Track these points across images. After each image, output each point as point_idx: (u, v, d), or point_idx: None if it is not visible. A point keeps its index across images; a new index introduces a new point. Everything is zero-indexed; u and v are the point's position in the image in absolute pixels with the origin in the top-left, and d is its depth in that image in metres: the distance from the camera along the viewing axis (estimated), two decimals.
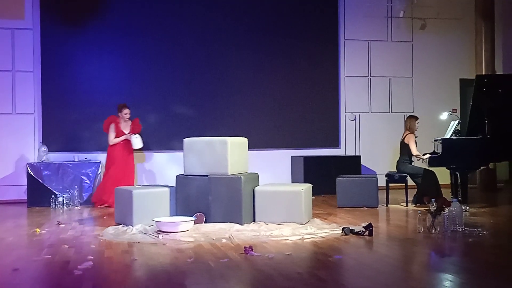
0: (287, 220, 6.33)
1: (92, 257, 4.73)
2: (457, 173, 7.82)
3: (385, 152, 10.37)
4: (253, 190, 6.56)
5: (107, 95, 9.27)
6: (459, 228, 5.80)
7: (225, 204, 6.39)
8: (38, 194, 8.39)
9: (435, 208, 5.73)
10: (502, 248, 5.23)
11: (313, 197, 7.03)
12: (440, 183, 7.99)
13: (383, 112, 10.67)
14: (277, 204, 6.43)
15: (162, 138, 9.51)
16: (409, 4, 10.52)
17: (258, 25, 10.05)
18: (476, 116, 7.69)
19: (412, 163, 8.25)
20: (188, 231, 5.88)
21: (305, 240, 5.50)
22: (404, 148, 8.22)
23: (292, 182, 9.82)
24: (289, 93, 10.14)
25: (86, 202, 8.53)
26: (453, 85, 10.94)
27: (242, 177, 6.42)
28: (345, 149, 10.44)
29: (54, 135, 9.10)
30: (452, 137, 7.90)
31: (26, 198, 8.58)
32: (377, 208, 7.78)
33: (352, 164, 9.70)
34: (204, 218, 6.40)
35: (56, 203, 8.21)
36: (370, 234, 5.64)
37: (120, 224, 6.41)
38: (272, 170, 9.76)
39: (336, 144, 10.41)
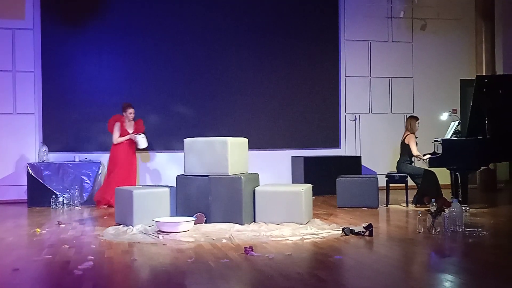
0: (287, 221, 6.33)
1: (93, 257, 4.73)
2: (457, 173, 7.82)
3: (385, 153, 10.37)
4: (253, 190, 6.56)
5: (107, 95, 9.28)
6: (459, 229, 5.80)
7: (225, 204, 6.39)
8: (39, 194, 8.40)
9: (435, 209, 5.73)
10: (502, 249, 5.22)
11: (313, 197, 7.04)
12: (440, 183, 7.98)
13: (383, 112, 10.68)
14: (277, 205, 6.43)
15: (162, 138, 9.51)
16: (409, 4, 10.53)
17: (258, 25, 10.06)
18: (476, 117, 7.69)
19: (413, 164, 8.25)
20: (188, 231, 5.89)
21: (305, 241, 5.50)
22: (405, 148, 8.22)
23: (292, 183, 9.82)
24: (289, 93, 10.14)
25: (86, 202, 8.53)
26: (453, 85, 10.94)
27: (242, 177, 6.42)
28: (346, 149, 10.45)
29: (54, 135, 9.11)
30: (452, 138, 7.90)
31: (26, 198, 8.58)
32: (377, 209, 7.78)
33: (352, 164, 9.70)
34: (204, 218, 6.40)
35: (57, 203, 8.22)
36: (370, 234, 5.64)
37: (120, 224, 6.41)
38: (272, 170, 9.77)
39: (336, 144, 10.42)
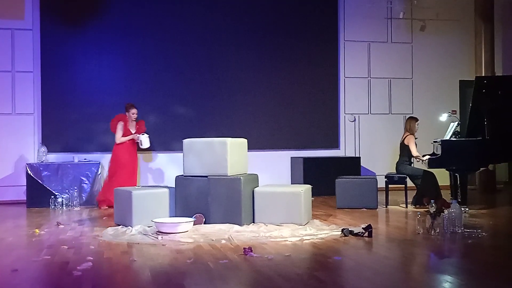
0: (286, 221, 6.33)
1: (92, 258, 4.72)
2: (456, 174, 7.82)
3: (384, 153, 10.37)
4: (253, 191, 6.56)
5: (107, 95, 9.27)
6: (459, 230, 5.80)
7: (225, 205, 6.39)
8: (38, 195, 8.38)
9: (434, 210, 5.73)
10: (502, 250, 5.23)
11: (313, 198, 7.03)
12: (439, 184, 7.99)
13: (382, 113, 10.67)
14: (276, 205, 6.43)
15: (162, 139, 9.51)
16: (409, 5, 10.54)
17: (258, 25, 10.06)
18: (475, 118, 7.69)
19: (412, 164, 8.25)
20: (187, 232, 5.88)
21: (304, 241, 5.50)
22: (404, 149, 8.22)
23: (291, 183, 9.82)
24: (289, 93, 10.14)
25: (85, 203, 8.52)
26: (453, 86, 10.94)
27: (241, 178, 6.41)
28: (345, 150, 10.45)
29: (53, 136, 9.10)
30: (451, 139, 7.91)
31: (25, 198, 8.57)
32: (377, 210, 7.78)
33: (351, 165, 9.70)
34: (204, 219, 6.40)
35: (56, 203, 8.21)
36: (370, 235, 5.64)
37: (119, 225, 6.41)
38: (272, 171, 9.76)
39: (335, 145, 10.42)
